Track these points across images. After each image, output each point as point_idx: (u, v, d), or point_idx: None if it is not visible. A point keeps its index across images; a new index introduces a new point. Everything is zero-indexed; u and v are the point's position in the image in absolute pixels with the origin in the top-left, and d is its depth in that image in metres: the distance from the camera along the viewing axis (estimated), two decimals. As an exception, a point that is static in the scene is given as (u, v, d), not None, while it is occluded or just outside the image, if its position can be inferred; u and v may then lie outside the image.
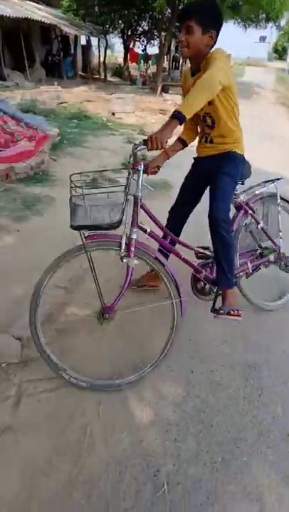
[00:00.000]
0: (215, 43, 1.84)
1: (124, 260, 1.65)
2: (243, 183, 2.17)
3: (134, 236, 1.66)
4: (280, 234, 2.31)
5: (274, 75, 28.52)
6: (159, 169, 2.14)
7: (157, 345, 1.84)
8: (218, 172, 1.98)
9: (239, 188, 2.14)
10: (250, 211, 2.20)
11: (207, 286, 2.13)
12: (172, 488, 1.41)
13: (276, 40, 37.64)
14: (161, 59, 14.95)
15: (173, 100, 11.75)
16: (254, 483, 1.45)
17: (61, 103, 9.37)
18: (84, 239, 1.60)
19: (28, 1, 14.49)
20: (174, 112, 1.60)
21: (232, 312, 1.97)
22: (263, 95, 17.87)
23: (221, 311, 1.97)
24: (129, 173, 1.68)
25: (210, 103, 1.81)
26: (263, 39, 41.70)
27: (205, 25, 1.75)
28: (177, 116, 1.59)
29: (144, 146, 1.63)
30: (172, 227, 2.19)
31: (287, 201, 2.32)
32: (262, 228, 2.26)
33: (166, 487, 1.41)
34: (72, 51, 17.73)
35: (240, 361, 2.03)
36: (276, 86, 22.29)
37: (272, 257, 2.33)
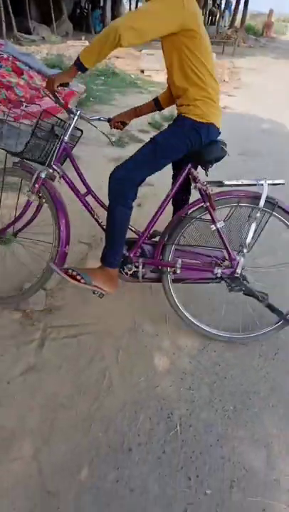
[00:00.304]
0: None
1: (27, 194, 1.79)
2: (205, 168, 1.74)
3: (42, 175, 1.73)
4: (245, 250, 1.74)
5: None
6: (124, 125, 2.01)
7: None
8: None
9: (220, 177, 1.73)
10: (206, 204, 1.71)
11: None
12: (184, 430, 1.49)
13: None
14: (196, 12, 14.11)
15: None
16: (263, 431, 1.51)
17: (89, 59, 9.07)
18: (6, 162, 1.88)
19: None
20: (77, 57, 1.47)
21: (72, 273, 1.68)
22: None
23: (70, 268, 1.71)
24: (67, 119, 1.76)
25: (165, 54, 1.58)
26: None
27: None
28: (76, 64, 1.47)
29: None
30: (174, 207, 2.01)
31: (285, 210, 1.72)
32: (217, 230, 1.72)
33: (179, 428, 1.49)
34: (102, 3, 16.93)
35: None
36: None
37: (218, 271, 1.77)
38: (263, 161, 4.36)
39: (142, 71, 8.56)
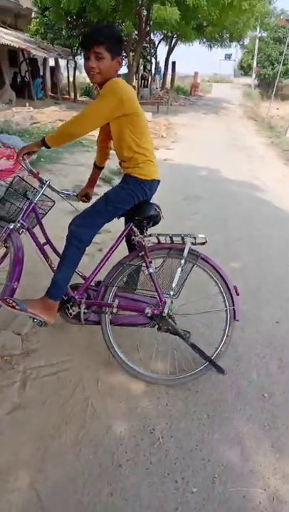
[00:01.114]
0: (120, 68, 1.87)
1: None
2: (141, 229, 1.96)
3: (10, 226, 1.99)
4: (172, 292, 1.90)
5: (240, 90, 29.94)
6: (88, 198, 2.31)
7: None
8: None
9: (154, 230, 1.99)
10: (142, 253, 1.95)
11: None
12: (166, 440, 1.65)
13: (241, 57, 39.56)
14: (131, 78, 15.53)
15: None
16: (235, 432, 1.71)
17: (34, 123, 9.61)
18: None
19: (-5, 26, 14.83)
20: (44, 137, 1.84)
21: (12, 303, 1.84)
22: (231, 110, 18.80)
23: (8, 297, 1.87)
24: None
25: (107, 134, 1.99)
26: (228, 57, 43.53)
27: (113, 52, 1.77)
28: (42, 141, 1.82)
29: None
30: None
31: (207, 262, 1.95)
32: (149, 274, 1.93)
33: (161, 440, 1.65)
34: (42, 73, 18.12)
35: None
36: (243, 101, 23.44)
37: (148, 311, 1.93)
38: (205, 203, 4.87)
39: (87, 131, 9.20)
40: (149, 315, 1.96)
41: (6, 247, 2.07)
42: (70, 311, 2.00)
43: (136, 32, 14.46)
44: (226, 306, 1.95)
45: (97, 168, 2.31)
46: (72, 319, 2.02)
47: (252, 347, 2.27)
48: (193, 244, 1.91)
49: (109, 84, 1.76)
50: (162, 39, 21.41)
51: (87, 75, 1.83)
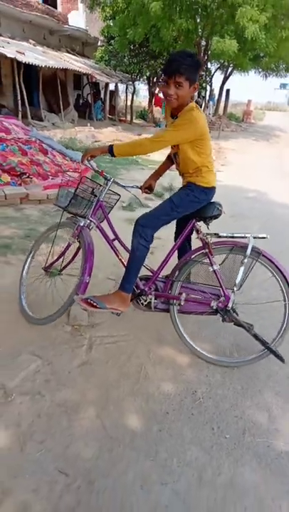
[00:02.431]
0: (195, 92, 2.08)
1: (68, 237, 2.36)
2: (206, 223, 2.23)
3: (81, 223, 2.27)
4: (236, 288, 2.13)
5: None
6: (151, 191, 2.54)
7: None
8: None
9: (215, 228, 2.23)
10: (206, 250, 2.18)
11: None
12: (206, 400, 2.00)
13: (296, 87, 39.87)
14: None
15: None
16: (264, 401, 2.03)
17: (95, 141, 10.47)
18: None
19: (65, 53, 16.30)
20: (111, 144, 2.03)
21: (90, 301, 2.11)
22: (282, 137, 18.94)
23: (88, 298, 2.13)
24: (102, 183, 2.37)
25: (176, 146, 2.12)
26: (283, 86, 43.89)
27: (192, 80, 1.92)
28: (109, 148, 2.01)
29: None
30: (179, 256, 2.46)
31: (268, 259, 2.14)
32: (214, 271, 2.16)
33: (202, 399, 2.00)
34: (102, 95, 19.45)
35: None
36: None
37: (214, 304, 2.18)
38: (250, 221, 5.19)
39: (141, 151, 9.87)
40: (214, 308, 2.20)
41: (79, 242, 2.34)
42: (142, 301, 2.29)
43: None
44: (285, 300, 2.13)
45: (168, 162, 2.47)
46: (144, 307, 2.32)
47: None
48: (256, 238, 2.11)
49: (188, 114, 1.96)
50: (218, 68, 22.20)
51: (164, 98, 2.04)
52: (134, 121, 20.18)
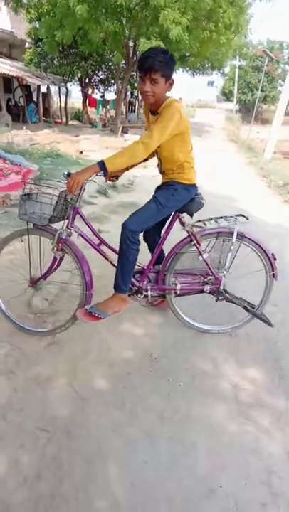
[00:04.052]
0: (171, 88, 2.03)
1: (52, 251, 2.25)
2: (191, 215, 2.35)
3: (62, 235, 2.17)
4: (225, 271, 2.37)
5: (223, 115, 31.56)
6: (116, 179, 2.52)
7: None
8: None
9: (198, 217, 2.36)
10: (194, 241, 2.30)
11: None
12: (161, 360, 2.33)
13: (223, 84, 41.86)
14: (119, 104, 16.66)
15: (132, 139, 13.18)
16: (209, 354, 2.40)
17: (33, 144, 10.43)
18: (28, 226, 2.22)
19: (-8, 56, 15.88)
20: (101, 160, 1.90)
21: (94, 314, 2.22)
22: (213, 133, 20.00)
23: (89, 311, 2.23)
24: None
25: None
26: (211, 83, 45.92)
27: (167, 76, 1.93)
28: (100, 164, 1.89)
29: (65, 180, 1.99)
30: (150, 245, 2.58)
31: (250, 239, 2.34)
32: (204, 260, 2.34)
33: (157, 359, 2.33)
34: (35, 98, 19.18)
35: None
36: (225, 124, 24.82)
37: (207, 288, 2.41)
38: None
39: (81, 152, 10.04)
40: (208, 292, 2.43)
41: (62, 251, 2.26)
42: (139, 296, 2.43)
43: (124, 61, 15.60)
44: (266, 273, 2.41)
45: None
46: (142, 300, 2.46)
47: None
48: (239, 222, 2.29)
49: (171, 108, 1.96)
50: (148, 68, 22.82)
51: (140, 95, 2.08)
52: (69, 122, 20.15)
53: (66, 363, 2.27)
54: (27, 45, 19.03)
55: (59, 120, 20.41)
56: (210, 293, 2.46)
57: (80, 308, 2.30)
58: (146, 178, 7.21)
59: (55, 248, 2.23)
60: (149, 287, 2.42)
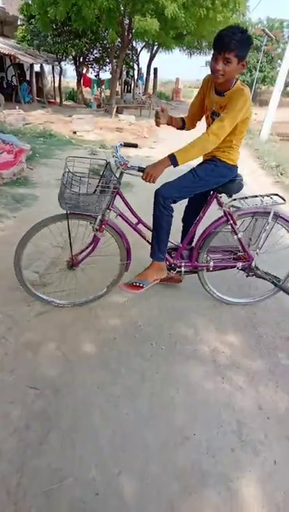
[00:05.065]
0: (243, 70, 1.97)
1: (95, 232, 2.31)
2: (230, 196, 2.36)
3: (106, 217, 2.23)
4: (258, 248, 2.46)
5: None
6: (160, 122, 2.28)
7: (108, 282, 2.67)
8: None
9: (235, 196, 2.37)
10: (230, 221, 2.38)
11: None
12: (146, 327, 2.46)
13: (220, 64, 41.12)
14: (114, 83, 16.44)
15: (127, 120, 13.10)
16: (192, 321, 2.54)
17: (26, 124, 10.35)
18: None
19: (-16, 33, 15.52)
20: (172, 153, 1.94)
21: (135, 284, 2.30)
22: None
23: (127, 282, 2.34)
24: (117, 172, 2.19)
25: (221, 108, 2.04)
26: (208, 63, 45.09)
27: (241, 56, 1.86)
28: (171, 159, 1.93)
29: (139, 173, 2.07)
30: (185, 226, 2.63)
31: (285, 219, 2.40)
32: (238, 239, 2.42)
33: (142, 327, 2.46)
34: (28, 77, 18.84)
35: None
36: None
37: (239, 265, 2.52)
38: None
39: (75, 132, 9.99)
40: (240, 268, 2.53)
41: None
42: (174, 271, 2.55)
43: (119, 40, 15.32)
44: None
45: (182, 122, 2.40)
46: (175, 274, 2.58)
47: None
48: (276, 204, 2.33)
49: (241, 96, 1.94)
50: (144, 46, 22.41)
51: (211, 72, 1.96)
52: (64, 102, 19.89)
53: (55, 329, 2.39)
54: (19, 22, 18.60)
55: (53, 100, 20.13)
56: (241, 269, 2.56)
57: (123, 283, 2.38)
58: (140, 159, 7.25)
59: (98, 229, 2.29)
60: (183, 264, 2.51)
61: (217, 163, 2.21)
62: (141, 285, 2.32)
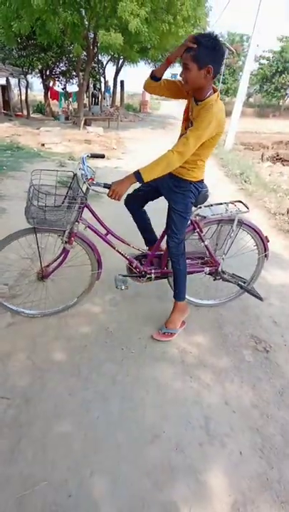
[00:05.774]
0: (215, 75, 1.85)
1: (65, 245, 2.34)
2: (194, 206, 2.38)
3: (74, 229, 2.24)
4: (224, 254, 2.60)
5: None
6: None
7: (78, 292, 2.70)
8: (170, 199, 2.30)
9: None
10: (197, 229, 2.47)
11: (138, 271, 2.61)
12: (116, 332, 2.52)
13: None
14: (82, 96, 16.52)
15: (96, 132, 13.18)
16: (161, 326, 2.61)
17: (-8, 137, 10.24)
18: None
19: None
20: (137, 170, 1.92)
21: (172, 333, 2.47)
22: (177, 125, 20.17)
23: (163, 332, 2.47)
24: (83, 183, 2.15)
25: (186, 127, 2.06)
26: (174, 76, 46.04)
27: (201, 62, 1.76)
28: (136, 176, 1.91)
29: (105, 190, 2.05)
30: (138, 224, 2.66)
31: (248, 225, 2.54)
32: (205, 246, 2.53)
33: (113, 331, 2.51)
34: (-6, 91, 18.71)
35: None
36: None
37: (207, 270, 2.64)
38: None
39: (43, 145, 9.97)
40: (207, 273, 2.66)
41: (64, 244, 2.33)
42: (142, 279, 2.62)
43: (85, 53, 15.49)
44: (259, 254, 2.67)
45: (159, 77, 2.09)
46: (145, 281, 2.65)
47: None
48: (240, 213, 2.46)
49: (206, 112, 1.86)
50: (110, 60, 22.74)
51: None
52: (31, 115, 19.82)
53: (26, 339, 2.41)
54: (-17, 35, 18.45)
55: (20, 113, 20.00)
56: (209, 274, 2.69)
57: (156, 332, 2.50)
58: (108, 170, 7.35)
59: (68, 242, 2.32)
60: (152, 271, 2.61)
61: (185, 187, 2.22)
62: (173, 333, 2.50)
